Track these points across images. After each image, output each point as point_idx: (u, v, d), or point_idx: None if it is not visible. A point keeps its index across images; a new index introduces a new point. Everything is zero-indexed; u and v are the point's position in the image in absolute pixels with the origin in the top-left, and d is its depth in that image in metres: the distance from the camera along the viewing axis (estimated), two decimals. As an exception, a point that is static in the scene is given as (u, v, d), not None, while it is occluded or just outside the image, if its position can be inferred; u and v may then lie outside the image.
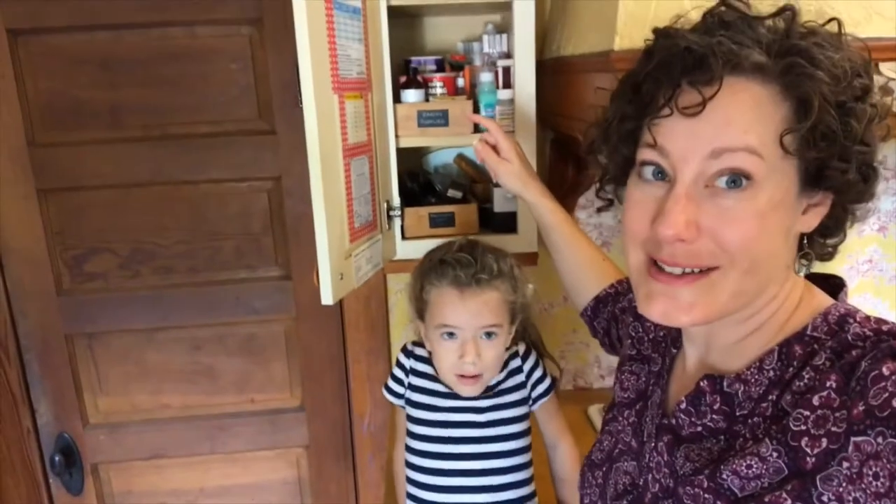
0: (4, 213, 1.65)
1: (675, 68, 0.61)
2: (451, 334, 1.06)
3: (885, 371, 0.54)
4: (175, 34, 1.58)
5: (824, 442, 0.56)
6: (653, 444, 0.74)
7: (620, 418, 0.83)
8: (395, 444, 1.25)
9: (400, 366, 1.20)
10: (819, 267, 0.71)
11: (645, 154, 0.64)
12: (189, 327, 1.77)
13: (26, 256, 1.68)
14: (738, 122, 0.59)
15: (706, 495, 0.64)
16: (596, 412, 1.60)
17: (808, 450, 0.57)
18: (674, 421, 0.71)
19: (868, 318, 0.63)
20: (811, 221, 0.65)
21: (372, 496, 1.89)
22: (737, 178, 0.59)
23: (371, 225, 1.29)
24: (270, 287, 1.75)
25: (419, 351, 1.20)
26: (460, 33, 1.56)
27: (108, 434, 1.82)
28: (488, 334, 1.05)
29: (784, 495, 0.58)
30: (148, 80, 1.60)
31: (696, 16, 0.65)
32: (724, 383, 0.67)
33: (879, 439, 0.53)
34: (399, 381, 1.19)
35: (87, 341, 1.76)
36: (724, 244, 0.60)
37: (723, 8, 0.63)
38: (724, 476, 0.62)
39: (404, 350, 1.21)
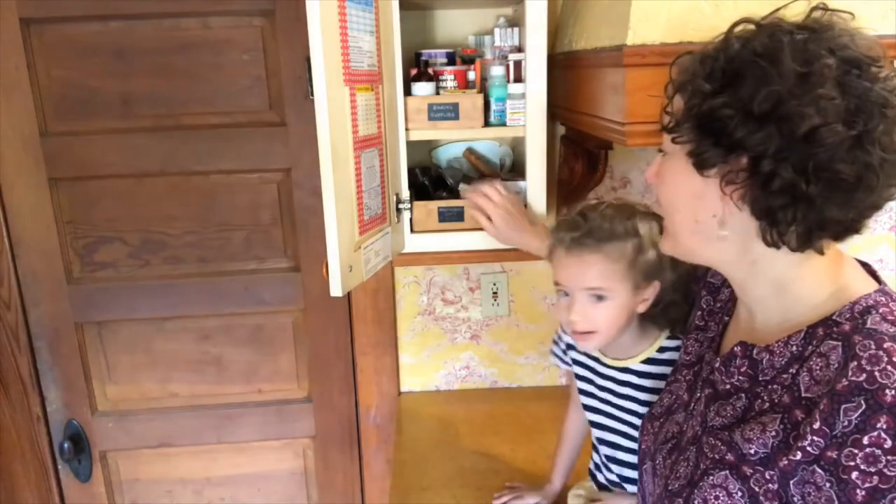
0: (16, 202, 1.66)
1: None
2: (564, 293, 1.07)
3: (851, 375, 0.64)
4: (188, 25, 1.58)
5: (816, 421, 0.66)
6: (697, 396, 0.86)
7: (679, 377, 0.95)
8: (570, 404, 1.30)
9: (560, 339, 1.24)
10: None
11: None
12: (198, 317, 1.78)
13: (37, 245, 1.69)
14: None
15: (721, 446, 0.76)
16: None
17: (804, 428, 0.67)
18: (712, 377, 0.83)
19: (892, 311, 0.69)
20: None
21: (377, 488, 1.89)
22: None
23: (380, 217, 1.29)
24: (279, 278, 1.76)
25: None
26: (472, 27, 1.56)
27: (116, 422, 1.83)
28: (598, 297, 1.04)
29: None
30: (160, 70, 1.60)
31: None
32: (754, 351, 0.78)
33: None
34: (564, 353, 1.24)
35: (96, 330, 1.77)
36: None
37: None
38: (737, 437, 0.74)
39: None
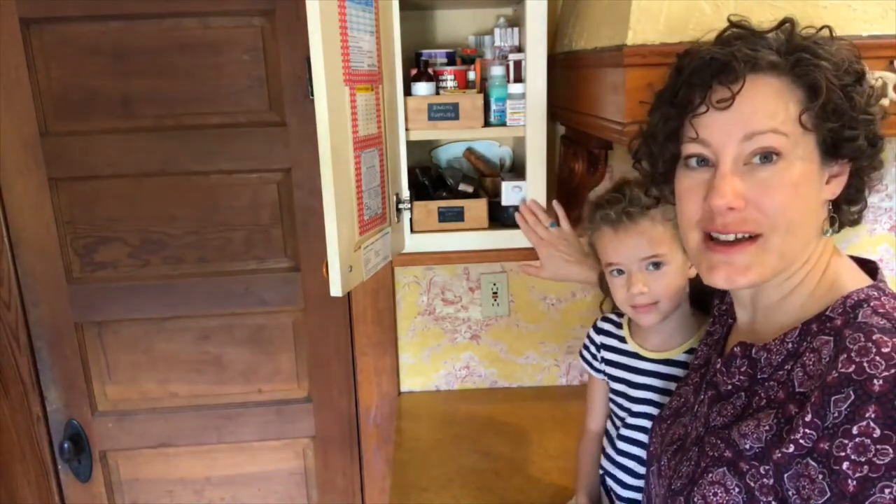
0: (16, 202, 1.66)
1: (704, 74, 0.74)
2: (619, 271, 1.07)
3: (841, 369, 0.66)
4: (188, 25, 1.58)
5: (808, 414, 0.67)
6: (701, 398, 0.88)
7: (688, 380, 0.97)
8: (589, 414, 1.25)
9: (591, 341, 1.21)
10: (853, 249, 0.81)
11: (689, 147, 0.77)
12: (198, 317, 1.78)
13: (37, 245, 1.69)
14: (762, 109, 0.72)
15: (721, 444, 0.77)
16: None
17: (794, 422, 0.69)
18: (715, 378, 0.85)
19: (883, 304, 0.70)
20: (834, 189, 0.76)
21: (377, 488, 1.89)
22: (768, 155, 0.72)
23: (380, 217, 1.29)
24: (279, 278, 1.76)
25: (605, 325, 1.20)
26: (472, 27, 1.56)
27: (116, 422, 1.83)
28: (655, 265, 1.04)
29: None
30: (160, 70, 1.60)
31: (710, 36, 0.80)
32: (753, 350, 0.79)
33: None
34: (594, 356, 1.21)
35: (96, 330, 1.77)
36: (765, 210, 0.72)
37: (733, 29, 0.77)
38: (734, 434, 0.75)
39: (594, 327, 1.22)
